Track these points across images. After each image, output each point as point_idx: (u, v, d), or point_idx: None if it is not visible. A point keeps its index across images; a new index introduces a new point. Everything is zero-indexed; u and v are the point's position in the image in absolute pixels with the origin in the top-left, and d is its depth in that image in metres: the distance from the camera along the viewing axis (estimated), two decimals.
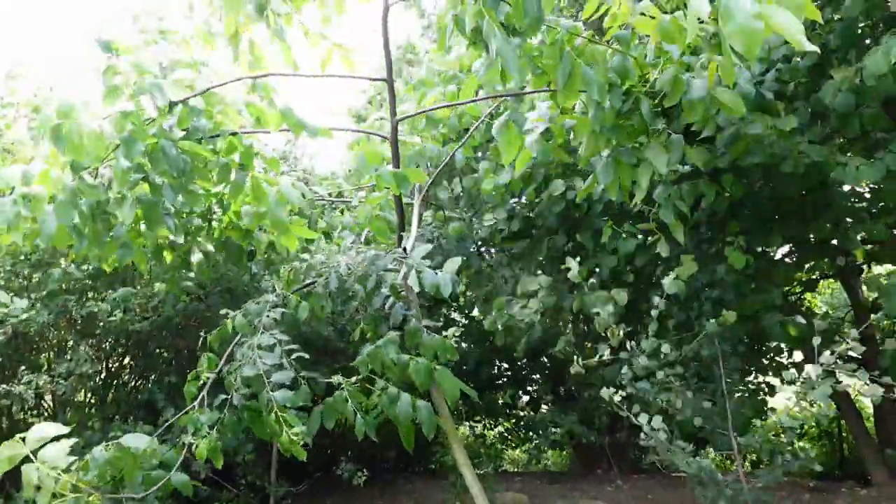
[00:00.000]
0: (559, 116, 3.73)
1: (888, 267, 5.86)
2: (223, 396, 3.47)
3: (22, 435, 2.61)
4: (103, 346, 5.69)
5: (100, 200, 3.20)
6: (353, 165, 3.97)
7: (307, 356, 3.53)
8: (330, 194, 5.06)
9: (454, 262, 3.29)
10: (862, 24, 3.93)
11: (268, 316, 3.68)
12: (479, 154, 5.75)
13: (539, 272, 5.68)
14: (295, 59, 3.50)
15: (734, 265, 4.05)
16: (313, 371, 3.85)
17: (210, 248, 4.03)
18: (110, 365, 5.89)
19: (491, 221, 5.57)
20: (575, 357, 4.20)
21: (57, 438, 2.65)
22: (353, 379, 3.45)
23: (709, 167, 3.92)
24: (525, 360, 7.71)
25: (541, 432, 7.13)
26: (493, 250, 6.64)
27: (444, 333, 3.53)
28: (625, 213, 4.92)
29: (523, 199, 5.54)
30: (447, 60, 4.64)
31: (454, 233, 5.45)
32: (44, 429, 2.64)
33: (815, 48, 1.82)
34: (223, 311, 3.96)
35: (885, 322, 5.32)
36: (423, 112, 4.23)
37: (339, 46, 3.54)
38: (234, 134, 3.39)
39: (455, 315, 7.72)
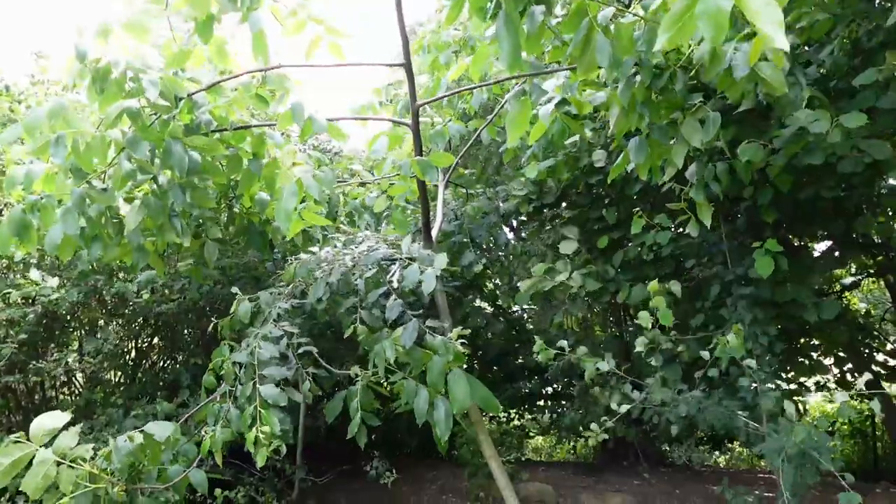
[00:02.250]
0: (579, 87, 3.57)
1: None
2: (226, 387, 3.39)
3: (15, 437, 2.48)
4: (132, 325, 5.78)
5: (109, 206, 3.16)
6: (373, 155, 3.83)
7: (315, 349, 3.45)
8: (353, 175, 4.98)
9: (441, 258, 3.20)
10: None
11: (279, 307, 3.60)
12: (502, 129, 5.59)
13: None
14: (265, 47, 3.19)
15: (760, 271, 3.84)
16: (338, 359, 3.81)
17: (219, 235, 3.96)
18: (140, 344, 5.99)
19: (522, 191, 5.38)
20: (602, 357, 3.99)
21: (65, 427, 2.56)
22: (370, 371, 3.35)
23: (761, 165, 3.72)
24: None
25: (564, 424, 7.00)
26: (523, 225, 6.44)
27: (448, 335, 3.32)
28: (655, 193, 4.74)
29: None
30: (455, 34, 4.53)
31: (474, 212, 5.30)
32: (43, 421, 2.53)
33: (786, 46, 1.56)
34: (234, 290, 3.91)
35: None
36: (445, 96, 4.11)
37: (330, 31, 3.28)
38: (244, 128, 3.32)
39: (481, 303, 7.61)
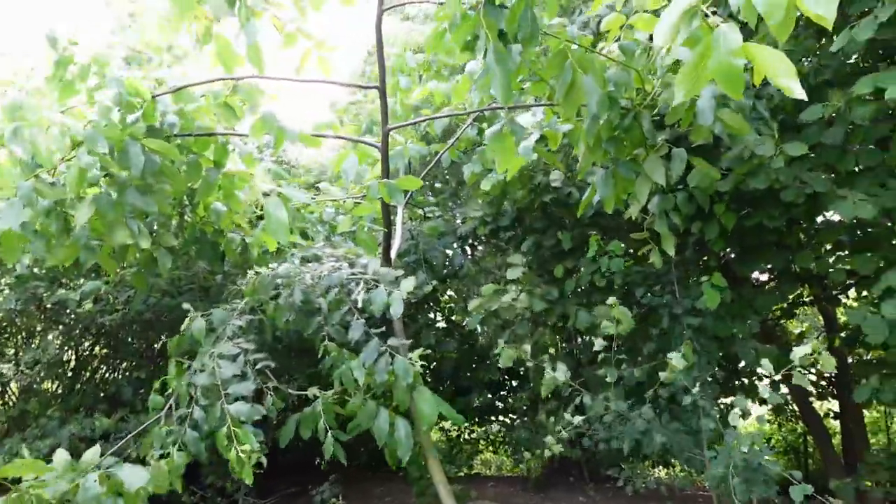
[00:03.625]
0: (556, 124, 3.68)
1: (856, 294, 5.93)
2: (183, 411, 3.29)
3: None
4: (73, 334, 5.53)
5: (58, 201, 3.02)
6: (345, 177, 3.82)
7: (273, 364, 3.40)
8: (313, 186, 4.92)
9: (409, 282, 3.24)
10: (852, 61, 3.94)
11: (233, 324, 3.53)
12: (466, 153, 5.66)
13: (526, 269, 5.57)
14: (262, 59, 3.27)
15: (708, 303, 4.05)
16: (289, 374, 3.76)
17: (174, 242, 3.86)
18: (80, 354, 5.73)
19: (479, 213, 5.46)
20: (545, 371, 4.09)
21: None
22: (330, 392, 3.34)
23: (711, 191, 3.90)
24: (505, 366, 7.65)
25: (515, 440, 7.09)
26: (479, 246, 6.54)
27: (409, 356, 3.36)
28: (610, 217, 4.89)
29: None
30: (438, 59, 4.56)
31: (430, 231, 5.33)
32: None
33: (803, 95, 1.62)
34: (187, 311, 3.80)
35: (860, 349, 5.39)
36: (418, 121, 4.13)
37: (319, 45, 3.32)
38: (208, 134, 3.26)
39: (434, 316, 7.64)
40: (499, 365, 4.15)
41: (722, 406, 5.77)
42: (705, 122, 2.86)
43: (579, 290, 5.21)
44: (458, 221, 5.63)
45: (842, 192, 3.60)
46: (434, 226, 5.33)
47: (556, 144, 3.93)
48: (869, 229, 4.31)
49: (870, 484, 4.85)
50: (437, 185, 6.62)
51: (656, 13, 3.03)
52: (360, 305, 3.32)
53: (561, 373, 4.01)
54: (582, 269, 4.94)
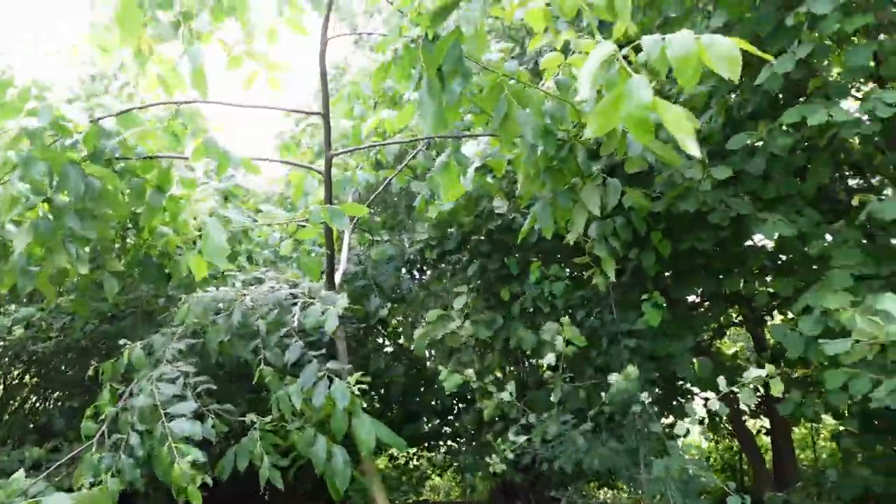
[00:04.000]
0: (499, 153, 3.83)
1: (784, 315, 6.30)
2: (118, 436, 3.19)
3: None
4: (2, 362, 5.28)
5: None
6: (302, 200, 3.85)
7: (215, 387, 3.36)
8: (257, 211, 4.91)
9: (342, 300, 3.30)
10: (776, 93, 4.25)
11: (173, 347, 3.48)
12: (417, 178, 5.77)
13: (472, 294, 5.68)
14: (205, 83, 3.25)
15: (650, 322, 4.23)
16: (229, 400, 3.69)
17: (120, 266, 3.79)
18: (9, 382, 5.47)
19: (424, 236, 5.54)
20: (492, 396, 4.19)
21: None
22: (268, 418, 3.30)
23: (644, 212, 4.12)
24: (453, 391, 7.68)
25: (462, 464, 7.11)
26: (427, 271, 6.61)
27: (347, 380, 3.34)
28: (552, 243, 5.05)
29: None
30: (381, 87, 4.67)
31: (378, 256, 5.38)
32: None
33: (697, 154, 1.79)
34: (122, 342, 3.72)
35: (784, 367, 5.70)
36: (359, 148, 4.21)
37: (271, 66, 3.38)
38: (151, 158, 3.25)
39: (383, 340, 7.63)
40: (446, 391, 4.21)
41: (663, 425, 5.99)
42: (635, 152, 3.05)
43: (528, 311, 5.33)
44: (407, 246, 5.70)
45: (763, 215, 3.86)
46: (382, 250, 5.38)
47: (501, 172, 4.08)
48: (790, 255, 4.63)
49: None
50: (390, 209, 6.69)
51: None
52: (296, 325, 3.31)
53: (506, 393, 4.11)
54: (526, 292, 5.08)
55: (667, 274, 5.24)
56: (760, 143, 3.96)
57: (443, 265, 5.66)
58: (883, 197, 3.38)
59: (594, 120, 1.92)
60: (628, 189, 3.62)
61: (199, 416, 3.20)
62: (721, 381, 3.60)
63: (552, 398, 4.04)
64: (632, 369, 3.66)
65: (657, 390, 4.46)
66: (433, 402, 7.62)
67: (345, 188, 4.31)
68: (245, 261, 4.82)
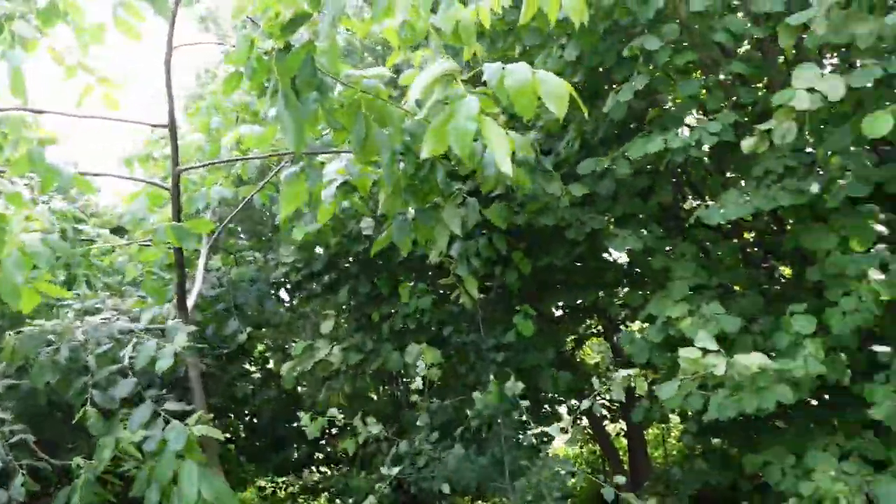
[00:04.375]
0: (362, 170, 3.76)
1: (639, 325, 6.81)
2: None
3: None
4: None
5: None
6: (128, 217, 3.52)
7: (32, 437, 2.96)
8: (98, 236, 4.44)
9: (182, 335, 3.09)
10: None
11: None
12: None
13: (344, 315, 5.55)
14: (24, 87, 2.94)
15: (523, 332, 4.36)
16: (60, 444, 3.29)
17: None
18: None
19: (290, 259, 5.34)
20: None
21: None
22: (96, 461, 2.94)
23: (504, 226, 4.23)
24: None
25: (337, 490, 6.88)
26: (297, 293, 6.36)
27: (186, 421, 3.05)
28: (421, 262, 5.07)
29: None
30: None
31: (237, 277, 5.10)
32: None
33: (510, 172, 1.99)
34: None
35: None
36: (215, 163, 3.97)
37: (103, 81, 3.12)
38: None
39: (249, 365, 7.23)
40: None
41: (532, 436, 6.19)
42: (489, 173, 3.13)
43: (401, 329, 5.28)
44: (272, 267, 5.45)
45: (614, 230, 4.15)
46: (242, 271, 5.09)
47: (366, 191, 4.01)
48: (638, 269, 5.01)
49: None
50: (258, 228, 6.38)
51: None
52: (126, 362, 3.01)
53: (375, 426, 4.04)
54: (396, 312, 5.05)
55: (531, 290, 5.46)
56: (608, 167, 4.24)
57: (312, 286, 5.48)
58: (708, 205, 3.72)
59: (429, 140, 1.94)
60: (487, 210, 3.72)
61: (6, 474, 2.78)
62: (595, 383, 3.77)
63: (419, 423, 4.02)
64: (494, 385, 3.73)
65: (525, 402, 4.59)
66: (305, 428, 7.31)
67: (198, 205, 4.01)
68: (86, 286, 4.34)
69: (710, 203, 3.78)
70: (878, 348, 3.57)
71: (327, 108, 3.03)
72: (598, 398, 3.85)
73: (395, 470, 3.86)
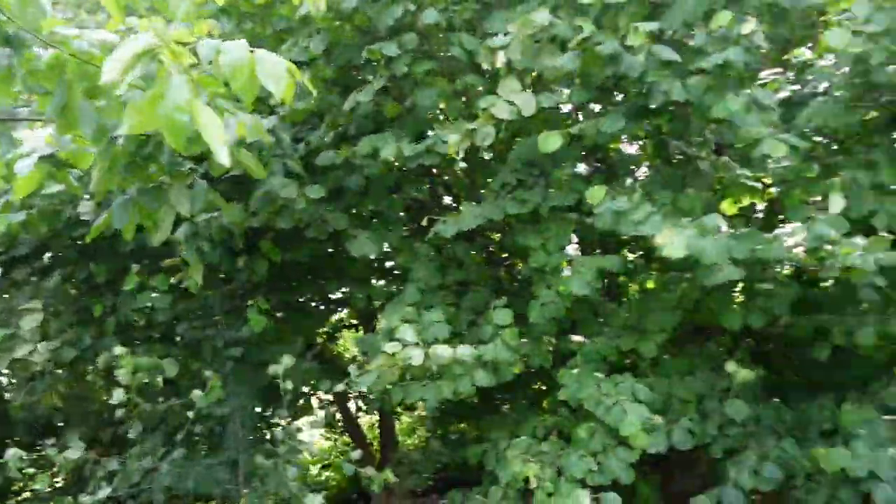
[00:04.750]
0: (77, 141, 3.27)
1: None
2: None
3: None
4: None
5: None
6: None
7: None
8: None
9: None
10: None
11: None
12: None
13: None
14: None
15: (254, 326, 4.22)
16: None
17: None
18: None
19: None
20: None
21: None
22: None
23: (242, 227, 4.06)
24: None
25: None
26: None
27: None
28: (151, 249, 4.60)
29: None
30: None
31: None
32: None
33: (227, 162, 1.91)
34: None
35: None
36: None
37: None
38: None
39: None
40: None
41: (282, 431, 6.05)
42: (222, 162, 2.95)
43: (124, 326, 4.72)
44: None
45: (354, 231, 4.20)
46: None
47: (87, 165, 3.50)
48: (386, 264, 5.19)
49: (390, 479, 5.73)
50: None
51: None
52: None
53: (75, 452, 3.55)
54: (120, 304, 4.52)
55: (281, 281, 5.31)
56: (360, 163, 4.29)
57: (11, 276, 4.65)
58: (445, 220, 4.00)
59: (130, 116, 1.76)
60: (220, 201, 3.51)
61: None
62: (353, 372, 3.78)
63: (131, 434, 3.65)
64: (213, 382, 3.55)
65: (263, 399, 4.46)
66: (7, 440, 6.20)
67: None
68: None
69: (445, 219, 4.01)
70: (573, 337, 4.23)
71: (27, 69, 2.60)
72: (350, 390, 3.89)
73: (105, 492, 3.44)
